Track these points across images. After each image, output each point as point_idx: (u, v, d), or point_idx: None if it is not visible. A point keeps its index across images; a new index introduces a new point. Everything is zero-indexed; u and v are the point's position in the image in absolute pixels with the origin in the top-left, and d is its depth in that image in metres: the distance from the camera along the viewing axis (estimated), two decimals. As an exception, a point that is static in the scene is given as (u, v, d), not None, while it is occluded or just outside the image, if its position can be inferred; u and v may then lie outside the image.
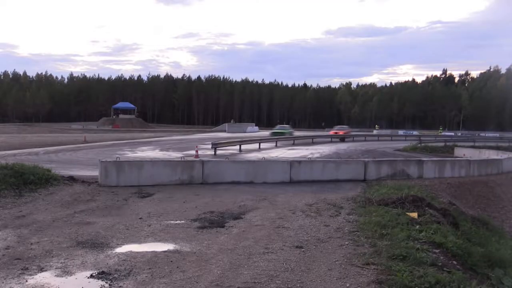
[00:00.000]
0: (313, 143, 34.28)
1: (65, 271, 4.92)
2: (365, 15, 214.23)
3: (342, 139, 39.16)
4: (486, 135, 59.01)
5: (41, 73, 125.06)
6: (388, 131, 66.19)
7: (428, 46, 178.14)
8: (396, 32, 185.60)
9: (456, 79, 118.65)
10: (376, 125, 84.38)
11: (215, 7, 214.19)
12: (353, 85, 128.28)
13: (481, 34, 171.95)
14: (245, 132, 54.96)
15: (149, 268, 5.03)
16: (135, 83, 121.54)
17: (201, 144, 26.92)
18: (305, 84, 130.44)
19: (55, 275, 4.80)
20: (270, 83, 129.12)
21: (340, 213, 8.34)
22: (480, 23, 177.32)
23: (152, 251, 5.71)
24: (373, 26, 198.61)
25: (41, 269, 4.96)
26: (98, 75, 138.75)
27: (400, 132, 64.34)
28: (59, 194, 9.64)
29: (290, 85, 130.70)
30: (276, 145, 29.86)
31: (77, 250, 5.70)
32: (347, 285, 4.63)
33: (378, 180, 13.55)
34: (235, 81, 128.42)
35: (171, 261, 5.31)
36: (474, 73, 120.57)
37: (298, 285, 4.62)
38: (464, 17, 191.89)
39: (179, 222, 7.49)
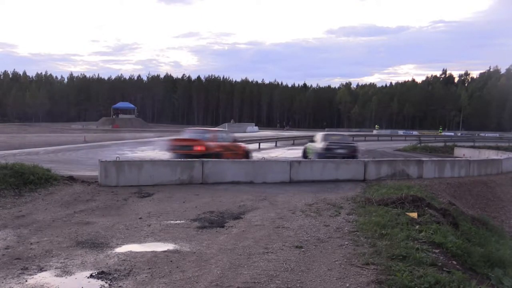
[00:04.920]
0: (313, 143, 34.22)
1: (65, 271, 4.91)
2: (367, 14, 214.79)
3: None
4: (486, 135, 59.09)
5: (41, 73, 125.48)
6: (388, 131, 66.26)
7: (429, 46, 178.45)
8: (398, 31, 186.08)
9: (456, 79, 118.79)
10: (376, 125, 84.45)
11: (216, 6, 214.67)
12: (354, 85, 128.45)
13: (483, 33, 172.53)
14: (245, 132, 55.01)
15: (149, 268, 5.03)
16: (135, 83, 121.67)
17: (201, 144, 26.86)
18: (305, 84, 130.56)
19: (55, 275, 4.80)
20: (270, 83, 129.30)
21: (340, 213, 8.33)
22: (482, 23, 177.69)
23: (152, 251, 5.71)
24: (375, 25, 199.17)
25: (41, 269, 4.96)
26: (98, 75, 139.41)
27: (400, 132, 64.43)
28: (59, 194, 9.64)
29: (290, 85, 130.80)
30: (276, 145, 29.88)
31: (77, 250, 5.69)
32: (347, 285, 4.63)
33: (378, 180, 13.54)
34: (235, 81, 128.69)
35: (171, 261, 5.31)
36: (474, 73, 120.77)
37: (298, 285, 4.62)
38: (466, 17, 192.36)
39: (179, 222, 7.49)
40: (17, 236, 6.33)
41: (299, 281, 4.71)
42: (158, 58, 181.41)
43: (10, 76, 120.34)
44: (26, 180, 9.83)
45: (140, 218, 7.70)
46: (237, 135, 42.92)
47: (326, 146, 17.41)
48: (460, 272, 5.22)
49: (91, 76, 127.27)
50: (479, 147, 32.28)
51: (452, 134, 64.11)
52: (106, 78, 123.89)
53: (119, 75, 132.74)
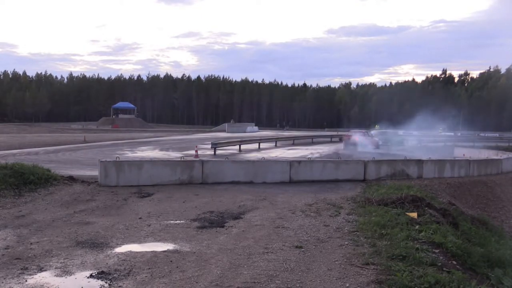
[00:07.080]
0: (312, 143, 34.31)
1: (65, 271, 4.91)
2: (367, 14, 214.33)
3: (342, 139, 39.09)
4: (486, 135, 59.04)
5: (41, 72, 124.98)
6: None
7: (430, 46, 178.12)
8: (399, 31, 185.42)
9: (456, 79, 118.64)
10: (376, 125, 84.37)
11: (216, 6, 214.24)
12: (354, 85, 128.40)
13: (483, 33, 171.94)
14: (245, 132, 54.98)
15: (149, 268, 5.03)
16: (135, 83, 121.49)
17: (201, 144, 26.94)
18: (305, 84, 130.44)
19: (55, 275, 4.80)
20: (270, 83, 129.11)
21: (339, 213, 8.34)
22: (483, 23, 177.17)
23: (151, 251, 5.71)
24: (376, 25, 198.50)
25: (41, 269, 4.96)
26: (98, 74, 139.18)
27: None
28: (58, 194, 9.64)
29: (290, 85, 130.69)
30: (275, 145, 29.88)
31: (76, 250, 5.70)
32: (347, 285, 4.63)
33: (377, 180, 13.55)
34: (235, 81, 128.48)
35: (171, 261, 5.31)
36: (474, 73, 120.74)
37: (298, 285, 4.62)
38: (467, 17, 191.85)
39: (179, 222, 7.49)
40: (17, 236, 6.33)
41: (299, 281, 4.71)
42: (158, 58, 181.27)
43: (10, 76, 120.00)
44: (26, 180, 9.83)
45: (140, 218, 7.71)
46: (237, 135, 43.02)
47: None
48: (460, 272, 5.22)
49: (91, 76, 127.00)
50: (479, 147, 32.27)
51: (452, 134, 64.07)
52: (106, 78, 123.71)
53: (119, 75, 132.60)
